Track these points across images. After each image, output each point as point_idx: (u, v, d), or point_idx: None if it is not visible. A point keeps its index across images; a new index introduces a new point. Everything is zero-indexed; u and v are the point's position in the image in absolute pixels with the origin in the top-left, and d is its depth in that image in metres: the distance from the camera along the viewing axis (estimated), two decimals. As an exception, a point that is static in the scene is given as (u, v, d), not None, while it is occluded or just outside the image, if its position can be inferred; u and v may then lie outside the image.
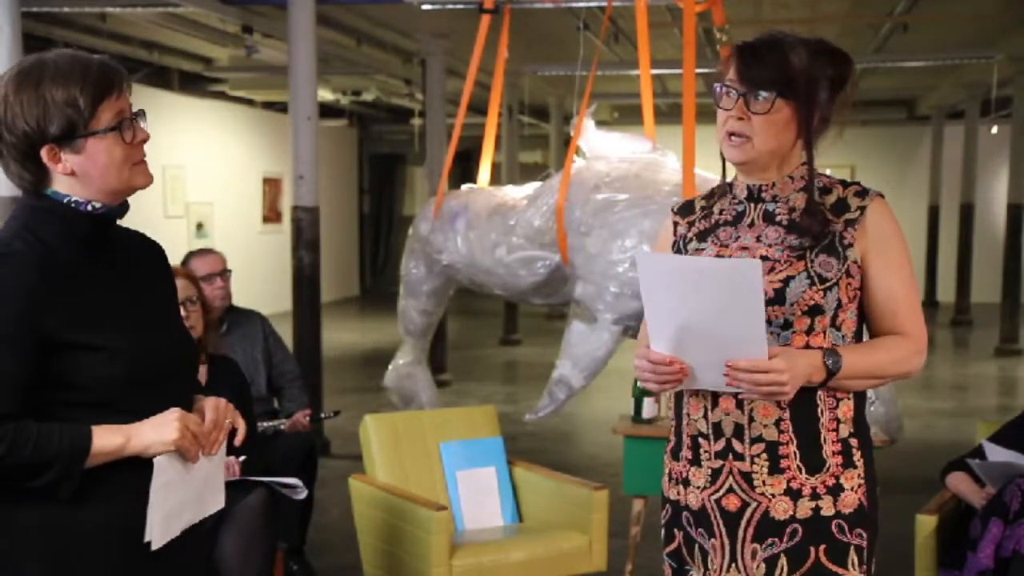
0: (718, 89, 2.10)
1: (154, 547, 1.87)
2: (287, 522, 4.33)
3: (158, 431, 1.84)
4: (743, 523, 2.09)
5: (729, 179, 2.20)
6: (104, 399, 1.83)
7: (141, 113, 1.91)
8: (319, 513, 4.89)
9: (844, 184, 2.14)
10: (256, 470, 3.54)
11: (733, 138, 2.08)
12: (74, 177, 1.85)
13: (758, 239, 2.11)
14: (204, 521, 2.03)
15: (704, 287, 1.96)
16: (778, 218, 2.11)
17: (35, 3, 8.03)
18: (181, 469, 1.89)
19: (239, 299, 4.68)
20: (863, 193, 2.11)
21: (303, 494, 3.09)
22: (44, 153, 1.82)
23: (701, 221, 2.22)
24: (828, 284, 2.04)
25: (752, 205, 2.15)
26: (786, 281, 2.03)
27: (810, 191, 2.10)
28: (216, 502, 2.03)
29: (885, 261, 2.08)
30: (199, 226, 12.68)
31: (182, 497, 1.92)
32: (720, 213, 2.19)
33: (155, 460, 1.84)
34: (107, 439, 1.81)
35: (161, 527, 1.88)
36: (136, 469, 1.84)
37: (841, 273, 2.05)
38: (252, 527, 3.42)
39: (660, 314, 2.03)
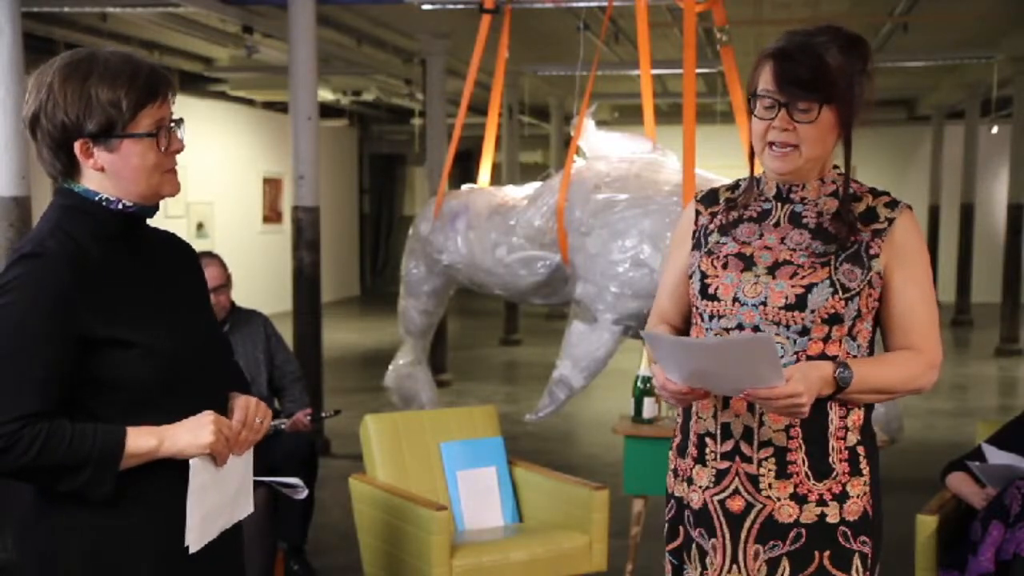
0: (754, 99, 2.05)
1: (192, 550, 1.87)
2: (288, 522, 4.34)
3: (193, 434, 1.84)
4: (747, 524, 2.09)
5: (757, 174, 2.17)
6: (138, 397, 1.83)
7: (180, 121, 1.92)
8: (319, 513, 4.89)
9: (874, 193, 2.12)
10: (257, 470, 3.53)
11: (775, 148, 2.04)
12: (103, 174, 1.85)
13: (782, 241, 2.08)
14: (238, 524, 2.03)
15: (718, 359, 1.93)
16: (805, 220, 2.09)
17: (35, 3, 8.03)
18: (215, 471, 1.89)
19: (240, 299, 4.69)
20: (893, 204, 2.09)
21: (304, 494, 3.06)
22: (77, 146, 1.83)
23: (724, 214, 2.18)
24: (851, 294, 2.03)
25: (779, 204, 2.12)
26: (808, 287, 2.02)
27: (844, 196, 2.08)
28: (246, 506, 2.03)
29: (908, 275, 2.07)
30: (199, 226, 12.70)
31: (218, 499, 1.91)
32: (745, 208, 2.16)
33: (191, 462, 1.84)
34: (141, 441, 1.80)
35: (199, 529, 1.88)
36: (171, 472, 1.84)
37: (864, 283, 2.04)
38: (252, 527, 3.41)
39: (671, 365, 1.99)
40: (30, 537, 1.87)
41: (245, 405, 1.96)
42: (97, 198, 1.86)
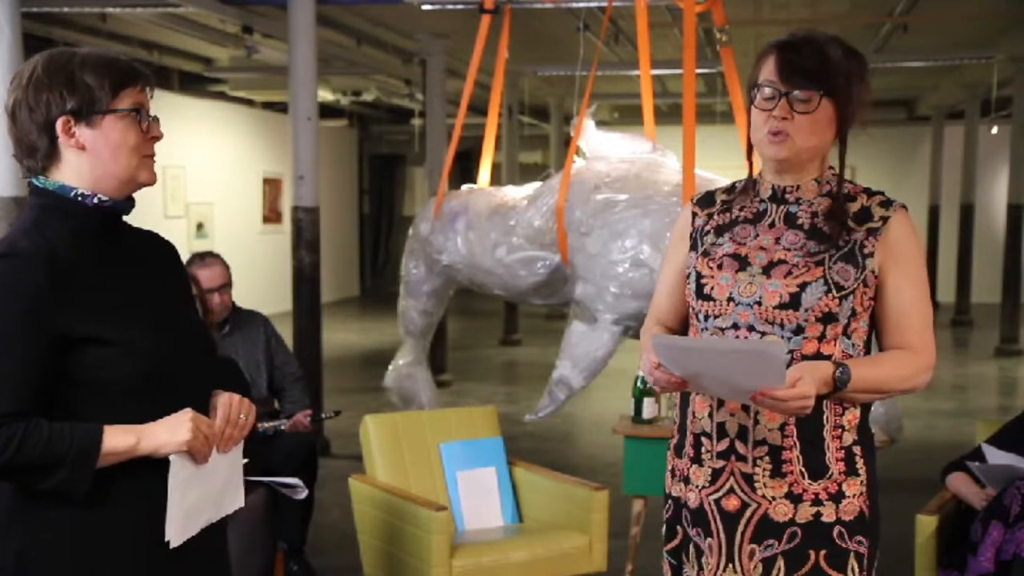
0: (755, 89, 2.07)
1: (173, 545, 1.87)
2: (287, 522, 4.33)
3: (171, 432, 1.84)
4: (742, 524, 2.09)
5: (755, 176, 2.19)
6: (119, 395, 1.83)
7: (156, 118, 1.95)
8: (319, 513, 4.89)
9: (869, 193, 2.13)
10: (256, 470, 3.54)
11: (773, 135, 2.06)
12: (82, 156, 1.86)
13: (777, 241, 2.10)
14: (223, 519, 2.02)
15: (726, 363, 1.93)
16: (800, 221, 2.10)
17: (35, 3, 8.03)
18: (197, 468, 1.89)
19: (240, 299, 4.69)
20: (887, 204, 2.10)
21: (303, 494, 3.10)
22: (59, 125, 1.84)
23: (720, 215, 2.20)
24: (844, 292, 2.03)
25: (775, 206, 2.14)
26: (802, 286, 2.03)
27: (838, 193, 2.09)
28: (235, 501, 2.03)
29: (902, 274, 2.07)
30: (199, 226, 12.68)
31: (200, 495, 1.91)
32: (741, 209, 2.18)
33: (171, 459, 1.84)
34: (118, 439, 1.80)
35: (180, 525, 1.88)
36: (154, 469, 1.84)
37: (858, 282, 2.05)
38: (252, 527, 3.42)
39: (673, 365, 1.99)
40: (11, 532, 1.87)
41: (227, 402, 1.96)
42: (72, 194, 1.87)
